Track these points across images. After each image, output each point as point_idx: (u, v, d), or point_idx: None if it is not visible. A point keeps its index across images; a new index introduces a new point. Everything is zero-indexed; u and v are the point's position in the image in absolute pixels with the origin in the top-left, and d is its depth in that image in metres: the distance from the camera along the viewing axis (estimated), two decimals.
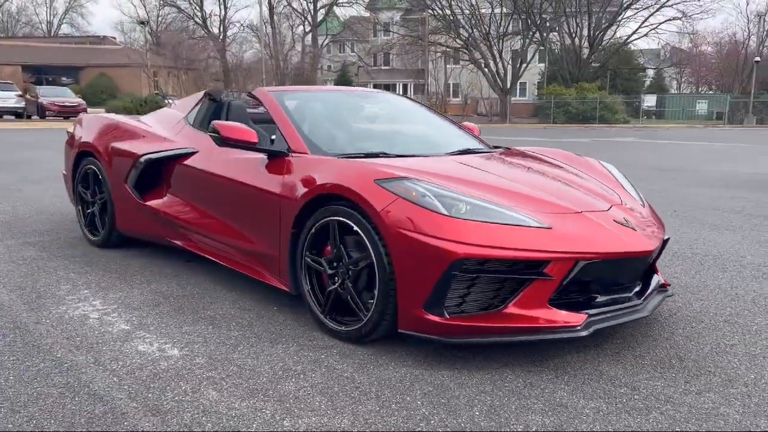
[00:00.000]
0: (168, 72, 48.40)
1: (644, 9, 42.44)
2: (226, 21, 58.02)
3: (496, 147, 3.98)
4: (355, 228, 2.74)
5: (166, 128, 4.24)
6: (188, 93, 31.24)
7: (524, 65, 41.32)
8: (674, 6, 41.15)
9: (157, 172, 4.12)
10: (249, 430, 2.11)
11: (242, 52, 45.04)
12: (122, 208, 4.33)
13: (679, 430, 2.12)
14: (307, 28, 57.34)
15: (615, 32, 44.93)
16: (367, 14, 59.95)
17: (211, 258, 3.76)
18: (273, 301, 3.45)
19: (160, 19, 57.72)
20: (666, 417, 2.21)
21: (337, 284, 2.88)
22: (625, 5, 41.77)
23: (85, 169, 4.66)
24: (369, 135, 3.91)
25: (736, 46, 51.18)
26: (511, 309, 2.54)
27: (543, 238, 2.57)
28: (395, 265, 2.59)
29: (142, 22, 41.98)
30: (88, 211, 4.71)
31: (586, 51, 43.59)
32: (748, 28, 47.79)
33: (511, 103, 41.14)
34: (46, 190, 7.43)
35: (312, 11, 55.90)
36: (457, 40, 41.44)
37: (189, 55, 38.54)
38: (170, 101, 20.98)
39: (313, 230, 2.95)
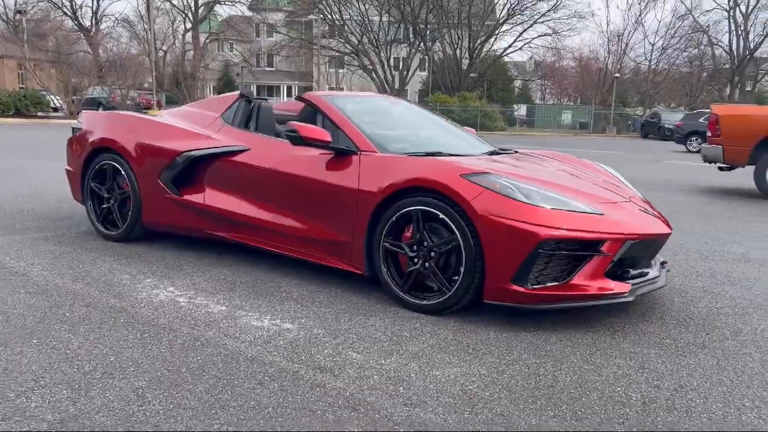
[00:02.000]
0: (34, 65, 45.22)
1: (519, 24, 45.55)
2: (99, 14, 55.34)
3: (504, 149, 4.61)
4: (441, 216, 3.25)
5: (202, 126, 4.49)
6: (59, 87, 29.47)
7: (411, 73, 42.83)
8: (546, 23, 44.53)
9: (194, 168, 4.37)
10: (410, 378, 2.56)
11: (120, 48, 42.92)
12: (151, 203, 4.52)
13: (722, 365, 2.83)
14: (188, 25, 55.87)
15: (492, 45, 47.71)
16: (250, 14, 59.34)
17: (262, 248, 4.09)
18: (332, 283, 3.86)
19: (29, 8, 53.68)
20: (709, 357, 2.92)
21: (418, 265, 3.37)
22: (501, 20, 44.54)
23: (101, 165, 4.76)
24: (415, 136, 4.40)
25: (596, 62, 56.01)
26: (576, 280, 3.16)
27: (599, 223, 3.22)
28: (484, 246, 3.13)
29: (20, 11, 38.86)
30: (103, 206, 4.82)
31: (465, 61, 45.94)
32: (608, 46, 52.30)
33: None
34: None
35: (192, 8, 54.51)
36: (347, 46, 42.21)
37: (58, 48, 36.22)
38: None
39: (393, 219, 3.42)
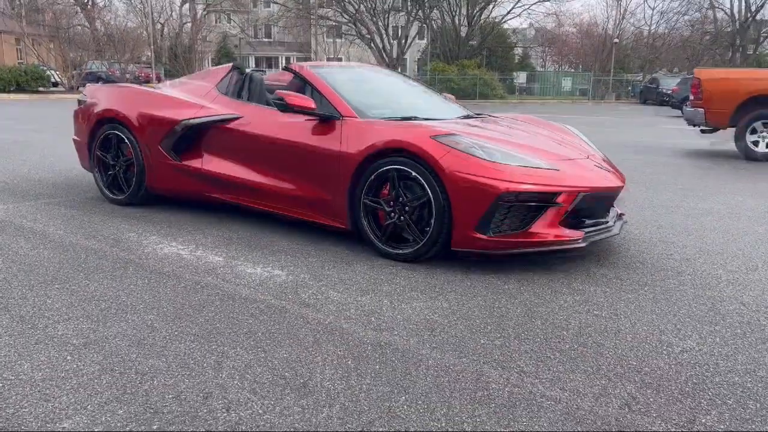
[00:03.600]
0: (32, 40, 45.26)
1: None
2: None
3: (478, 114, 4.97)
4: (413, 174, 3.63)
5: (198, 97, 4.85)
6: (57, 62, 29.67)
7: (409, 42, 42.76)
8: None
9: (192, 136, 4.74)
10: (381, 311, 2.97)
11: (118, 21, 42.84)
12: (154, 169, 4.90)
13: (657, 298, 3.23)
14: None
15: (491, 11, 47.51)
16: None
17: (254, 207, 4.49)
18: (320, 239, 4.26)
19: None
20: (648, 293, 3.32)
21: (394, 219, 3.76)
22: None
23: (106, 134, 5.14)
24: (394, 102, 4.76)
25: (596, 27, 55.75)
26: (534, 228, 3.55)
27: (555, 177, 3.60)
28: (452, 199, 3.51)
29: None
30: (109, 173, 5.21)
31: (464, 29, 45.82)
32: (607, 11, 52.01)
33: None
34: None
35: None
36: (344, 15, 42.10)
37: (57, 22, 36.27)
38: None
39: (372, 178, 3.80)
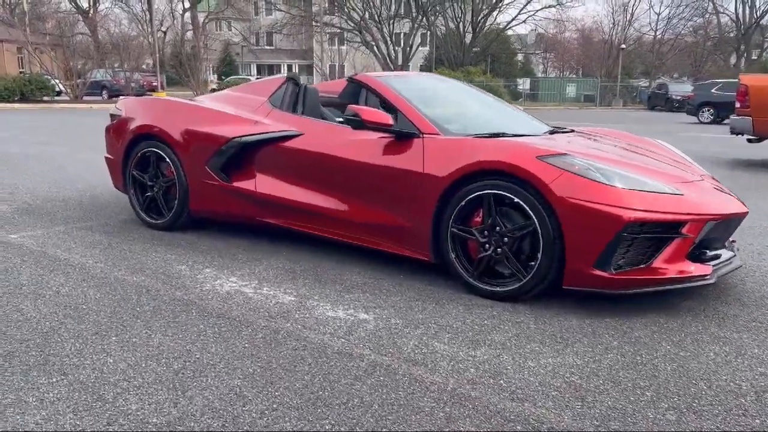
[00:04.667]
0: (35, 48, 44.78)
1: None
2: None
3: (560, 128, 4.50)
4: (516, 200, 3.15)
5: (250, 111, 4.38)
6: (58, 71, 29.04)
7: (415, 48, 42.42)
8: None
9: (242, 154, 4.27)
10: (506, 371, 2.49)
11: (122, 29, 42.32)
12: (199, 190, 4.43)
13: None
14: (186, 5, 55.22)
15: (495, 18, 47.20)
16: None
17: (315, 234, 4.02)
18: (393, 270, 3.79)
19: None
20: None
21: (490, 251, 3.28)
22: None
23: (144, 152, 4.67)
24: (472, 116, 4.28)
25: (599, 33, 55.42)
26: (657, 263, 3.08)
27: (680, 203, 3.13)
28: (565, 230, 3.04)
29: None
30: (147, 194, 4.73)
31: (468, 36, 45.46)
32: (613, 17, 51.72)
33: None
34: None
35: None
36: (349, 22, 41.79)
37: (61, 31, 35.75)
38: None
39: (463, 204, 3.33)
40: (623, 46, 44.30)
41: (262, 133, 4.15)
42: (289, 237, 4.40)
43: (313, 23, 44.43)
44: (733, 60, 54.68)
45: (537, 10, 45.78)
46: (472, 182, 3.31)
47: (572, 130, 4.41)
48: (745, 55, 52.61)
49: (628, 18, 49.68)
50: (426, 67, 49.15)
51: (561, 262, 3.10)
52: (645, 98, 40.00)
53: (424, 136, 3.61)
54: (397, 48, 42.63)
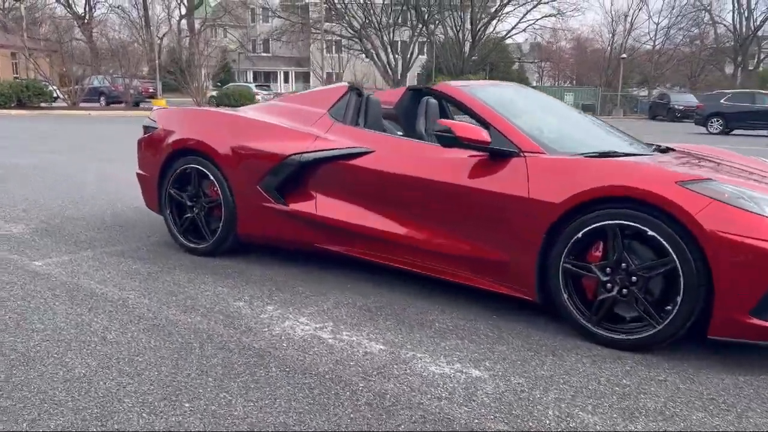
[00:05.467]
0: (30, 53, 44.10)
1: (522, 5, 44.80)
2: (92, 0, 54.01)
3: (661, 145, 4.01)
4: (650, 232, 2.68)
5: (308, 124, 3.89)
6: (53, 77, 28.32)
7: (415, 57, 42.10)
8: (549, 3, 43.79)
9: (300, 173, 3.78)
10: None
11: (121, 35, 41.58)
12: (248, 213, 3.94)
13: None
14: (183, 11, 54.71)
15: (495, 27, 46.95)
16: None
17: (387, 264, 3.53)
18: (482, 308, 3.30)
19: None
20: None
21: (614, 291, 2.80)
22: (505, 1, 43.77)
23: (183, 169, 4.16)
24: (572, 132, 3.79)
25: (596, 42, 55.34)
26: None
27: None
28: (714, 270, 2.56)
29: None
30: (186, 216, 4.22)
31: (467, 44, 45.17)
32: (613, 26, 51.55)
33: None
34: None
35: None
36: (349, 30, 41.42)
37: (59, 36, 35.08)
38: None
39: (579, 235, 2.84)
40: (624, 55, 44.07)
41: (327, 150, 3.65)
42: (347, 265, 3.91)
43: (313, 30, 44.00)
44: (729, 70, 54.73)
45: (537, 20, 45.50)
46: (590, 210, 2.83)
47: (672, 149, 3.93)
48: (742, 66, 52.65)
49: (627, 28, 49.50)
50: (424, 76, 48.88)
51: (706, 306, 2.61)
52: (646, 108, 39.78)
53: (526, 155, 3.12)
54: (397, 56, 42.27)
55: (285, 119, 4.02)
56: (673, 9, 50.40)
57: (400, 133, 4.19)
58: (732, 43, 52.43)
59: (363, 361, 2.63)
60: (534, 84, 62.48)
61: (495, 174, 3.14)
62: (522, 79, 58.20)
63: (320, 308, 3.26)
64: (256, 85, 35.07)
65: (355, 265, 3.85)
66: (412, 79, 52.14)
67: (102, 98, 29.16)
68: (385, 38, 41.17)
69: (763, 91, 24.68)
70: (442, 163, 3.32)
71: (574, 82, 61.51)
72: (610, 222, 2.77)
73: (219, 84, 35.94)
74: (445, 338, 2.91)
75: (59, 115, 22.76)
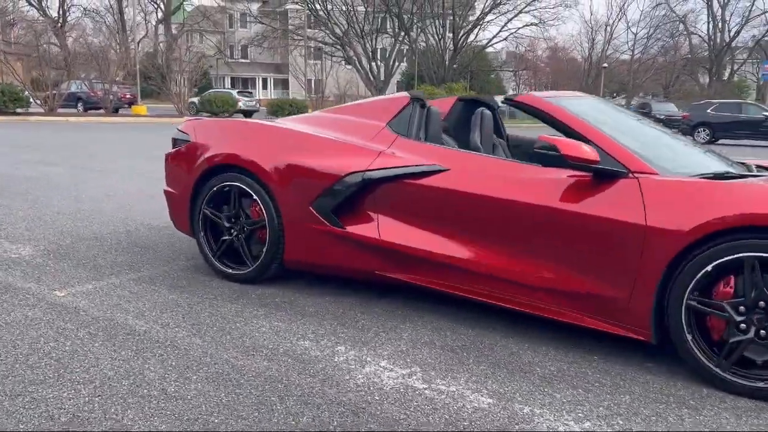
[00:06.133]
0: (4, 57, 42.81)
1: (503, 14, 44.90)
2: (66, 4, 52.84)
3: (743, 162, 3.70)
4: None
5: (366, 138, 3.51)
6: (25, 81, 27.25)
7: (398, 64, 41.88)
8: (531, 12, 43.95)
9: (360, 193, 3.40)
10: None
11: (100, 40, 40.51)
12: (298, 236, 3.54)
13: None
14: (161, 16, 53.83)
15: (477, 35, 46.94)
16: (223, 4, 57.49)
17: (464, 296, 3.16)
18: (575, 346, 2.95)
19: None
20: None
21: (750, 333, 2.46)
22: (487, 9, 43.82)
23: (222, 187, 3.75)
24: (668, 149, 3.44)
25: (569, 52, 55.83)
26: None
27: None
28: None
29: None
30: (223, 238, 3.81)
31: (449, 52, 45.06)
32: (592, 35, 52.05)
33: None
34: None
35: None
36: (331, 36, 41.06)
37: (37, 40, 34.06)
38: None
39: (709, 268, 2.50)
40: (605, 64, 44.40)
41: (396, 168, 3.27)
42: (404, 293, 3.54)
43: (296, 37, 43.53)
44: (705, 80, 55.56)
45: (518, 28, 45.61)
46: (723, 240, 2.49)
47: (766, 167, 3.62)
48: (716, 76, 53.46)
49: (607, 37, 49.97)
50: (405, 83, 48.72)
51: None
52: None
53: (637, 176, 2.77)
54: (379, 63, 42.00)
55: (338, 133, 3.63)
56: (651, 20, 50.87)
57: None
58: (708, 53, 53.20)
59: (476, 419, 2.25)
60: (511, 92, 62.93)
61: (601, 197, 2.79)
62: (499, 88, 58.40)
63: (396, 348, 2.87)
64: (237, 92, 34.26)
65: (412, 293, 3.48)
66: (391, 87, 51.90)
67: (80, 104, 28.35)
68: (367, 45, 40.86)
69: (749, 102, 24.88)
70: (536, 183, 2.96)
71: (548, 90, 61.87)
72: (750, 254, 2.43)
73: (194, 88, 35.15)
74: (555, 387, 2.54)
75: (37, 122, 22.00)
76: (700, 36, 54.26)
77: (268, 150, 3.61)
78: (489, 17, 44.98)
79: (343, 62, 41.97)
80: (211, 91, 35.81)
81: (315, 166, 3.46)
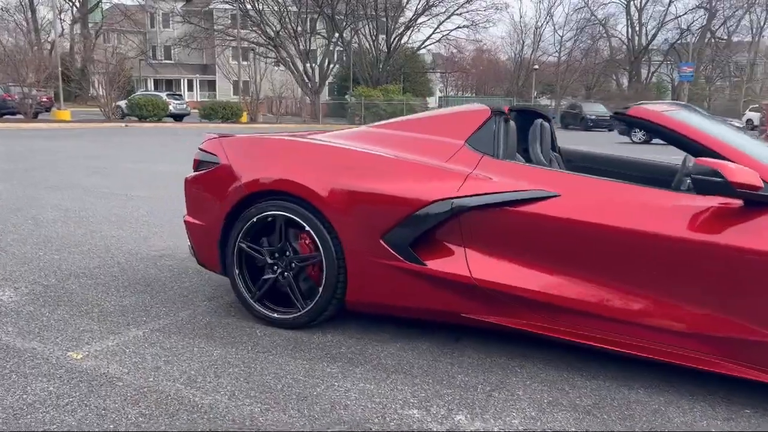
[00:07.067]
0: None
1: (435, 16, 45.01)
2: None
3: None
4: None
5: (441, 159, 3.02)
6: None
7: (332, 66, 41.25)
8: (463, 15, 44.23)
9: (443, 223, 2.91)
10: None
11: (17, 41, 37.70)
12: (364, 273, 3.02)
13: None
14: (76, 13, 51.01)
15: (410, 37, 46.88)
16: (143, 2, 55.09)
17: (571, 341, 2.73)
18: (698, 399, 2.57)
19: None
20: None
21: None
22: (419, 11, 43.81)
23: (264, 216, 3.18)
24: None
25: (513, 52, 56.81)
26: None
27: None
28: None
29: None
30: (265, 277, 3.23)
31: (383, 54, 44.78)
32: (522, 39, 53.07)
33: (320, 103, 40.70)
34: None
35: None
36: (263, 37, 39.97)
37: None
38: None
39: None
40: (536, 66, 45.26)
41: (492, 194, 2.79)
42: (478, 335, 3.09)
43: (227, 37, 42.13)
44: (624, 81, 57.72)
45: (450, 30, 45.84)
46: None
47: None
48: (636, 77, 55.62)
49: (536, 40, 51.04)
50: (338, 85, 48.13)
51: None
52: (557, 118, 40.89)
53: None
54: (314, 65, 41.23)
55: (404, 152, 3.13)
56: (575, 23, 52.31)
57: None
58: (627, 56, 55.22)
59: None
60: (440, 94, 63.45)
61: (760, 229, 2.42)
62: (427, 89, 58.74)
63: (525, 414, 2.41)
64: (167, 94, 32.73)
65: (496, 337, 3.04)
66: (327, 89, 51.11)
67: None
68: (300, 46, 40.00)
69: (680, 103, 25.75)
70: (677, 213, 2.55)
71: (476, 92, 63.08)
72: None
73: (125, 94, 33.32)
74: None
75: None
76: (620, 39, 56.24)
77: (324, 173, 3.07)
78: (421, 19, 44.95)
79: (275, 64, 40.96)
80: (138, 93, 34.11)
81: (387, 192, 2.94)
